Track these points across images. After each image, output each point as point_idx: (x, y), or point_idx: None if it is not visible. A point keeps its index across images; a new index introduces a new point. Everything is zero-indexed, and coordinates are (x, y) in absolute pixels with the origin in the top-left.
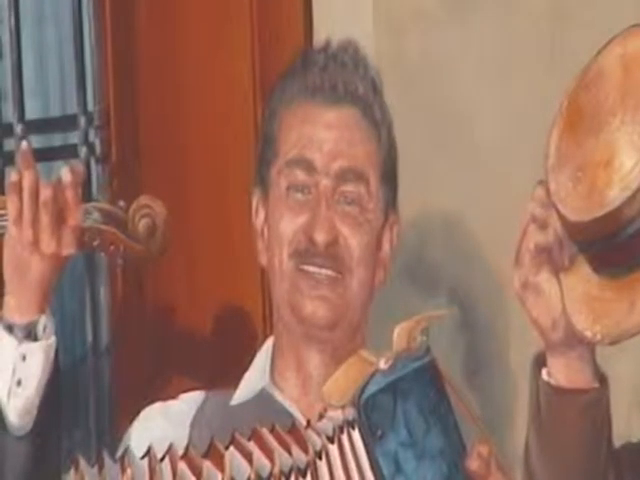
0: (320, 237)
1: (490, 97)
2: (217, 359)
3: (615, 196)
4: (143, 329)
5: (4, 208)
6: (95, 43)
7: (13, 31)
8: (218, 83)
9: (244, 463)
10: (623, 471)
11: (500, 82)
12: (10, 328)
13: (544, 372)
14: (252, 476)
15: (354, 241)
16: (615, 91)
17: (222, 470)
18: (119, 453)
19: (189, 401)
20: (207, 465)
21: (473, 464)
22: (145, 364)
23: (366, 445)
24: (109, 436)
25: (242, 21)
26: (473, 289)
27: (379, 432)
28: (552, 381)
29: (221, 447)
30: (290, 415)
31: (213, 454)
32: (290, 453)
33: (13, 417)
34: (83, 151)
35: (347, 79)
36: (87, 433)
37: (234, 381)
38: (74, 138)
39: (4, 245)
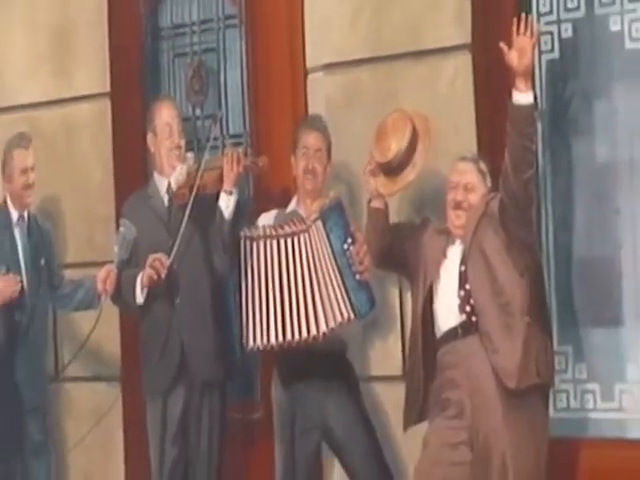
0: (309, 166)
1: (361, 145)
2: (283, 201)
3: (391, 155)
4: (262, 192)
5: (222, 162)
6: (247, 88)
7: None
8: (287, 123)
9: (289, 229)
10: (399, 238)
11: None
12: (228, 191)
13: (371, 204)
14: (289, 233)
15: (319, 168)
16: (389, 127)
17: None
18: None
19: (272, 212)
20: (279, 231)
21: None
22: (262, 204)
23: (323, 225)
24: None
25: (285, 104)
26: (353, 185)
27: (326, 221)
28: (373, 205)
29: (285, 224)
30: (302, 216)
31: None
32: (300, 225)
33: (226, 216)
34: (244, 144)
35: (318, 125)
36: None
37: (286, 206)
38: (242, 140)
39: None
